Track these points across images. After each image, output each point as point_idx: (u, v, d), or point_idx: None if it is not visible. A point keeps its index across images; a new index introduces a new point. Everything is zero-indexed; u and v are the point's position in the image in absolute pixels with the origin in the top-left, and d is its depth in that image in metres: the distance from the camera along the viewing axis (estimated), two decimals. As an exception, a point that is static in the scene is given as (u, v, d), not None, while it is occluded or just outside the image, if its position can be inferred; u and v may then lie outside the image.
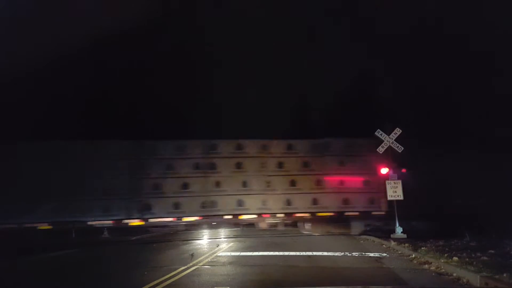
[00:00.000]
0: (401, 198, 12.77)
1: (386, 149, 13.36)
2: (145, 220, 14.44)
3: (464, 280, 6.07)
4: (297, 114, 21.58)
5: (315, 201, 15.03)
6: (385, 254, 9.26)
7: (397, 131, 13.35)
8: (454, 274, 6.47)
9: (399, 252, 9.59)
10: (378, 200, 14.84)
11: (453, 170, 14.52)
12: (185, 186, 14.68)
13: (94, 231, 14.57)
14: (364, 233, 14.22)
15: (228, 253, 10.11)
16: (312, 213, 14.94)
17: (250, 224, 16.50)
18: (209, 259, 9.03)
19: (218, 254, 9.86)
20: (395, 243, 10.62)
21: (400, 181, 12.91)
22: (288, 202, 14.96)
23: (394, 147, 13.29)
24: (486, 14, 15.54)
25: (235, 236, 15.05)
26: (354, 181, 15.19)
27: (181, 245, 12.79)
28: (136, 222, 14.40)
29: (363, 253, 9.44)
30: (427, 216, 14.94)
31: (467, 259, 7.21)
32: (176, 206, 14.54)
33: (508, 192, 12.61)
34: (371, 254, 9.27)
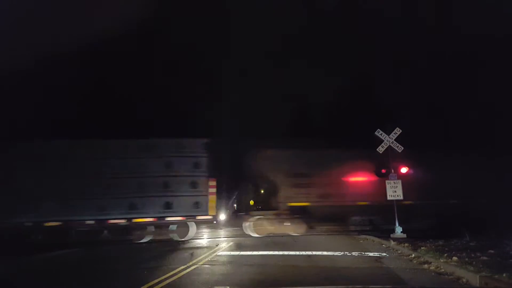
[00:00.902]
0: (401, 198, 12.78)
1: (386, 149, 13.37)
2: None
3: (464, 280, 6.08)
4: (295, 114, 21.62)
5: (133, 206, 13.74)
6: (384, 254, 9.26)
7: (397, 131, 13.35)
8: (454, 274, 6.48)
9: (399, 251, 9.59)
10: (205, 204, 13.92)
11: (452, 170, 14.52)
12: None
13: (94, 230, 14.52)
14: (363, 232, 14.22)
15: (228, 253, 10.13)
16: (128, 219, 13.61)
17: (53, 232, 13.84)
18: (208, 259, 9.04)
19: (218, 254, 9.88)
20: (395, 242, 10.63)
21: (400, 181, 12.91)
22: (102, 208, 13.52)
23: (394, 147, 13.28)
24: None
25: (235, 236, 15.06)
26: (180, 183, 14.09)
27: (181, 244, 12.81)
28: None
29: (363, 253, 9.44)
30: (426, 217, 14.95)
31: (467, 259, 7.21)
32: None
33: (507, 193, 12.62)
34: (371, 254, 9.27)
